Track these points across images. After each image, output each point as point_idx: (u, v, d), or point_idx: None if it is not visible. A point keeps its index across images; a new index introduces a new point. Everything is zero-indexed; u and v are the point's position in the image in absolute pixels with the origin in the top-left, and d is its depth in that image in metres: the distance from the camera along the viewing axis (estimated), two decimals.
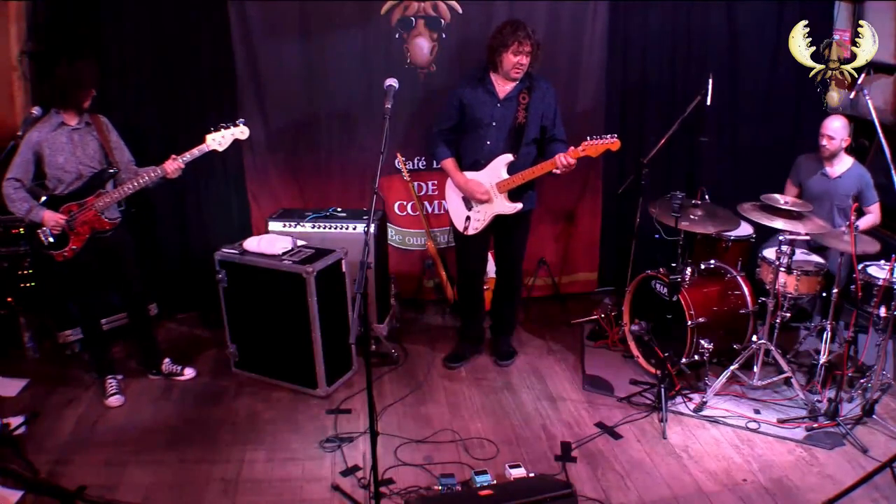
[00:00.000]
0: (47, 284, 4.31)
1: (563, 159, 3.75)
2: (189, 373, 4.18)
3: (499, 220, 4.03)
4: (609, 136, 3.74)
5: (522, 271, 4.42)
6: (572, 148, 3.80)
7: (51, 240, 3.71)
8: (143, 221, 4.59)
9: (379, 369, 4.24)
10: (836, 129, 4.13)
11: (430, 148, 4.10)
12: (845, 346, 3.81)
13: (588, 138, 3.77)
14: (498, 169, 3.91)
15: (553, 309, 5.10)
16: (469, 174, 3.97)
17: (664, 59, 4.96)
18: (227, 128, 3.78)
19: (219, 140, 3.76)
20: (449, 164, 4.01)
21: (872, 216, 4.22)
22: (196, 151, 3.73)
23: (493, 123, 3.90)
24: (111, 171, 3.75)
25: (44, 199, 3.68)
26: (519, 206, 3.96)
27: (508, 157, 3.89)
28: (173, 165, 3.70)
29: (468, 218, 4.05)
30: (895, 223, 4.49)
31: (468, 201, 4.04)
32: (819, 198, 4.26)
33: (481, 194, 3.93)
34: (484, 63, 3.95)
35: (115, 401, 3.90)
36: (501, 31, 3.81)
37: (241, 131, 3.81)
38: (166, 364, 4.17)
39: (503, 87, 3.90)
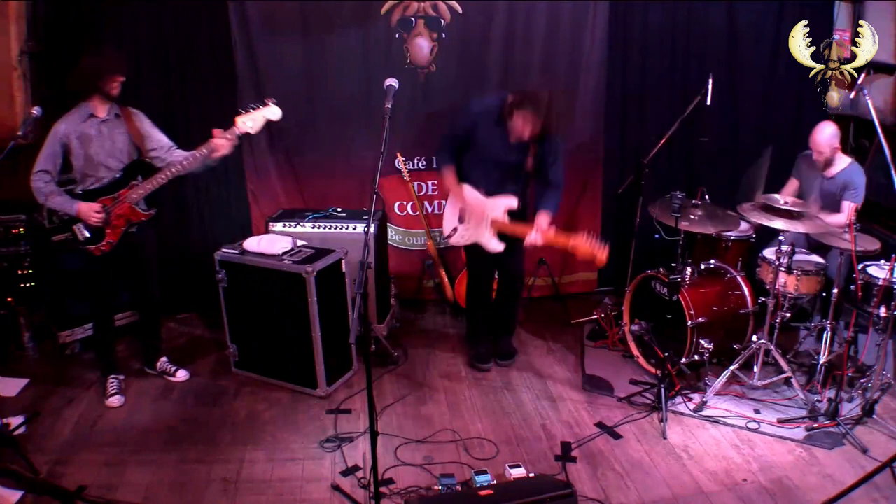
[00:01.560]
0: (49, 283, 4.31)
1: (533, 241, 3.74)
2: (181, 375, 4.16)
3: (499, 235, 4.01)
4: (599, 244, 3.55)
5: (524, 275, 4.43)
6: (552, 229, 3.76)
7: (87, 234, 3.67)
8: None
9: (379, 369, 4.24)
10: (822, 141, 4.09)
11: (437, 151, 4.15)
12: (845, 346, 3.81)
13: (586, 235, 3.61)
14: (499, 208, 3.90)
15: (553, 309, 5.10)
16: (469, 190, 3.95)
17: (664, 59, 4.96)
18: (257, 108, 3.62)
19: (249, 123, 3.61)
20: (448, 172, 3.98)
21: (841, 215, 4.08)
22: (228, 135, 3.60)
23: (502, 163, 3.89)
24: (142, 160, 3.71)
25: (78, 195, 3.67)
26: (500, 247, 3.94)
27: (512, 203, 3.89)
28: (220, 141, 3.54)
29: (455, 229, 4.08)
30: (895, 223, 4.49)
31: (463, 214, 4.06)
32: (812, 193, 4.28)
33: (475, 222, 3.94)
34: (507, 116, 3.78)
35: (115, 401, 3.90)
36: (513, 101, 3.69)
37: (271, 111, 3.64)
38: (161, 362, 4.18)
39: (517, 134, 3.79)
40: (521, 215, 3.96)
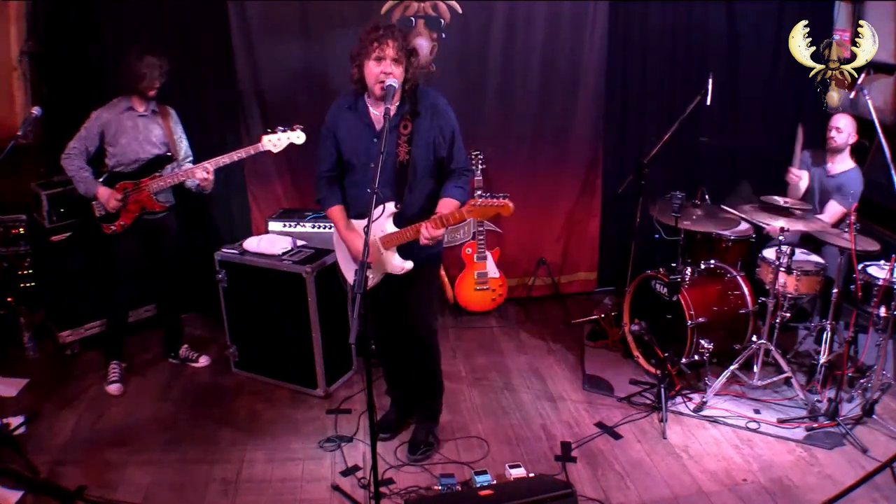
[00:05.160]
0: (49, 283, 4.32)
1: (428, 230, 2.96)
2: (203, 361, 4.31)
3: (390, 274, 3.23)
4: (500, 196, 2.86)
5: (433, 331, 3.44)
6: (451, 210, 2.98)
7: (102, 212, 3.83)
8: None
9: (379, 369, 4.23)
10: (844, 123, 4.16)
11: (316, 194, 3.31)
12: (845, 346, 3.81)
13: (477, 196, 2.90)
14: (381, 221, 3.09)
15: (553, 309, 5.10)
16: (357, 223, 3.20)
17: (664, 59, 4.96)
18: (284, 131, 3.79)
19: (273, 142, 3.78)
20: (334, 213, 3.25)
21: (825, 216, 4.12)
22: (251, 150, 3.78)
23: (372, 164, 2.86)
24: (169, 155, 3.87)
25: (105, 175, 3.81)
26: (409, 265, 3.13)
27: (390, 208, 3.07)
28: (202, 174, 3.76)
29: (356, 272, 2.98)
30: (895, 223, 4.49)
31: (353, 255, 3.27)
32: (811, 190, 4.31)
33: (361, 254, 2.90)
34: (360, 84, 3.08)
35: (114, 389, 3.97)
36: (361, 37, 3.03)
37: (297, 136, 3.81)
38: (184, 350, 4.30)
39: (379, 116, 3.03)
40: (415, 218, 3.08)
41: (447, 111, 3.13)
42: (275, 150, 3.80)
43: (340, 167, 3.24)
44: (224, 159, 3.77)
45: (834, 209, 4.17)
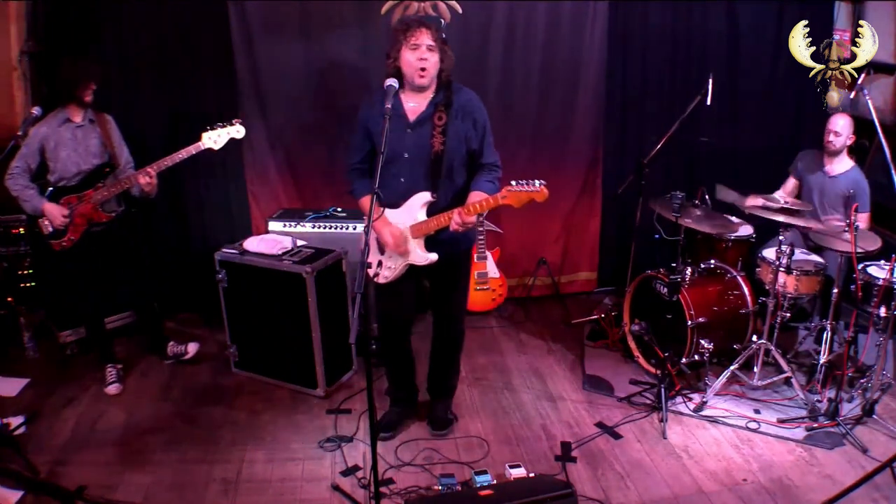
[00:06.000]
0: (49, 283, 4.33)
1: (460, 217, 3.04)
2: (192, 349, 4.31)
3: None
4: (536, 182, 2.89)
5: (463, 316, 3.66)
6: (484, 197, 3.05)
7: (50, 229, 3.81)
8: (143, 221, 4.60)
9: (379, 369, 4.23)
10: (842, 125, 4.15)
11: (348, 186, 3.38)
12: (845, 346, 3.81)
13: (512, 183, 2.92)
14: (414, 210, 3.18)
15: (553, 309, 5.10)
16: (389, 213, 3.24)
17: (664, 59, 4.97)
18: (224, 126, 3.83)
19: (214, 138, 3.81)
20: (365, 203, 3.25)
21: (860, 224, 4.06)
22: (192, 149, 3.78)
23: (406, 155, 3.13)
24: (111, 166, 3.86)
25: (49, 191, 3.79)
26: (434, 257, 3.22)
27: (426, 197, 3.16)
28: (145, 179, 3.73)
29: (380, 263, 3.35)
30: (895, 223, 4.49)
31: (382, 244, 3.35)
32: (812, 193, 4.30)
33: (394, 246, 3.24)
34: (395, 77, 3.16)
35: (113, 389, 4.00)
36: (394, 31, 3.19)
37: (236, 130, 3.86)
38: (171, 347, 4.29)
39: (414, 107, 3.17)
40: (448, 209, 3.14)
41: (481, 106, 3.24)
42: (216, 147, 3.82)
43: (372, 159, 3.28)
44: (166, 161, 3.75)
45: (863, 216, 4.14)
